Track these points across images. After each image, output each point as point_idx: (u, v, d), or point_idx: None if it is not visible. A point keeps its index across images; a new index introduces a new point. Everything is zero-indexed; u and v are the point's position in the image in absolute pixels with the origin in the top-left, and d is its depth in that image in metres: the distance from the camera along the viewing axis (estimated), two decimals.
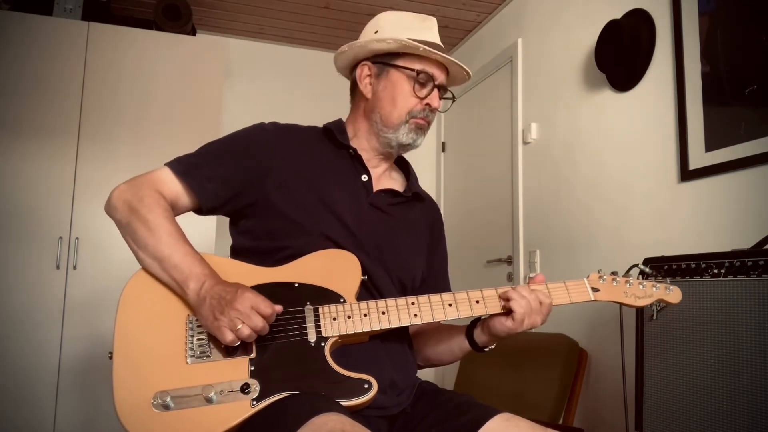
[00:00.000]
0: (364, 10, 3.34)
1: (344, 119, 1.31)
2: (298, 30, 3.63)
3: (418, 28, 1.24)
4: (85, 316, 2.73)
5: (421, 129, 1.23)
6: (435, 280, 1.33)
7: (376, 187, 1.24)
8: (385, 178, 1.29)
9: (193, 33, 3.28)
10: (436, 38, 1.25)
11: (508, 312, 1.11)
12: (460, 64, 1.24)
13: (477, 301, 1.12)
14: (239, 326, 0.96)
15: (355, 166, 1.24)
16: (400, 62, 1.22)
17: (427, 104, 1.22)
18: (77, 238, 2.76)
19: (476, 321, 1.20)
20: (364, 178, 1.23)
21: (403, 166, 1.37)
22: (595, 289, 1.15)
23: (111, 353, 1.01)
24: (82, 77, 2.86)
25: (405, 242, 1.25)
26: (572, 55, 2.63)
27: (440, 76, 1.23)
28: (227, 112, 3.33)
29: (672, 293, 1.16)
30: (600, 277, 1.16)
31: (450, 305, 1.11)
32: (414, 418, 1.13)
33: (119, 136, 2.88)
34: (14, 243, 2.67)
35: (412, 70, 1.20)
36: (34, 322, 2.66)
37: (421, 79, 1.21)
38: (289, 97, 3.74)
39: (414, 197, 1.29)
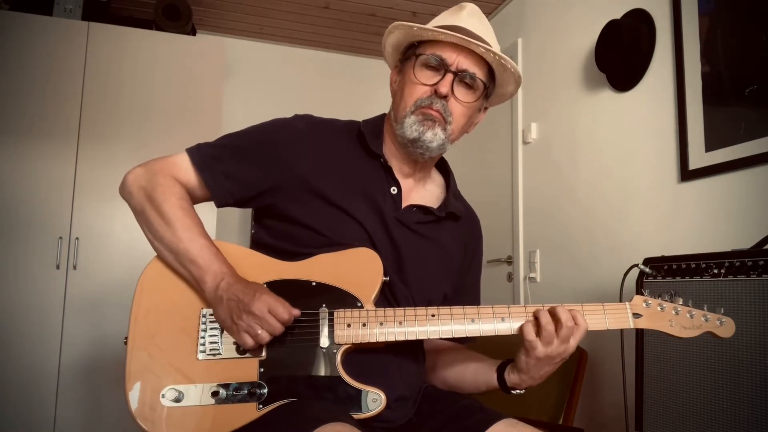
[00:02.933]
0: (364, 10, 3.33)
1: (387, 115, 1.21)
2: (298, 30, 3.63)
3: (445, 16, 1.14)
4: (85, 316, 2.73)
5: (430, 120, 1.08)
6: (461, 299, 1.20)
7: (406, 201, 1.15)
8: (418, 191, 1.19)
9: (193, 33, 3.28)
10: (464, 22, 1.10)
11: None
12: (478, 42, 1.06)
13: (502, 319, 1.02)
14: (259, 332, 0.95)
15: (386, 176, 1.14)
16: (410, 52, 1.12)
17: (435, 91, 1.08)
18: (77, 238, 2.76)
19: (510, 359, 1.11)
20: (394, 190, 1.13)
21: (446, 176, 1.26)
22: (636, 315, 1.03)
23: (126, 339, 1.01)
24: (82, 77, 2.85)
25: (429, 265, 1.15)
26: (572, 55, 2.63)
27: (458, 61, 1.08)
28: (227, 112, 3.33)
29: (724, 326, 1.03)
30: (645, 301, 1.04)
31: (473, 320, 1.02)
32: (418, 423, 1.10)
33: (119, 136, 2.88)
34: (14, 243, 2.67)
35: (418, 55, 1.09)
36: (34, 322, 2.66)
37: (428, 62, 1.08)
38: (289, 97, 3.73)
39: (448, 216, 1.18)
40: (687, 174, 1.97)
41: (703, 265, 1.51)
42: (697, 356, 1.49)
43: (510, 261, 3.04)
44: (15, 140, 2.73)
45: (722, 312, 1.04)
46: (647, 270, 1.63)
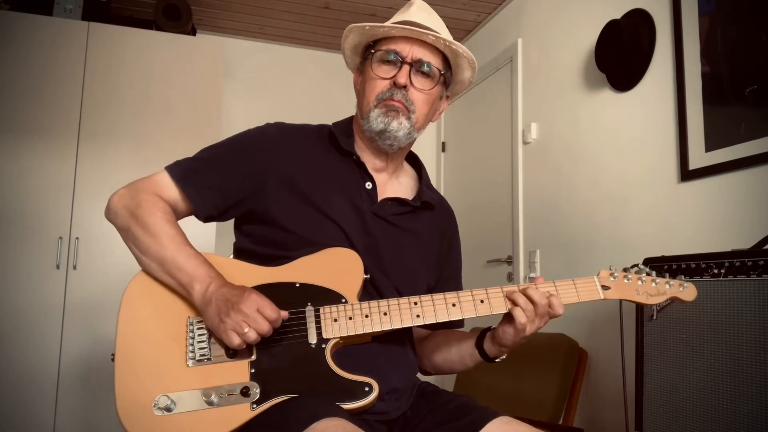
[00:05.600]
0: (364, 10, 3.34)
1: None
2: (298, 30, 3.63)
3: (396, 15, 1.20)
4: (85, 316, 2.73)
5: (394, 111, 1.12)
6: (444, 286, 1.25)
7: (381, 195, 1.19)
8: (392, 185, 1.23)
9: (193, 33, 3.28)
10: (413, 17, 1.16)
11: (511, 318, 1.07)
12: (427, 31, 1.11)
13: (482, 301, 1.07)
14: (246, 330, 0.95)
15: (360, 173, 1.18)
16: (368, 51, 1.18)
17: (394, 83, 1.13)
18: (77, 238, 2.76)
19: (486, 330, 1.16)
20: (368, 185, 1.17)
21: (417, 168, 1.31)
22: (605, 287, 1.10)
23: (113, 355, 1.01)
24: (82, 77, 2.86)
25: (409, 255, 1.19)
26: (572, 55, 2.63)
27: (412, 52, 1.13)
28: (227, 112, 3.33)
29: (686, 290, 1.11)
30: (611, 274, 1.11)
31: (453, 305, 1.07)
32: (413, 420, 1.11)
33: (119, 136, 2.88)
34: (14, 243, 2.67)
35: (374, 52, 1.15)
36: (34, 322, 2.66)
37: (384, 57, 1.14)
38: (289, 97, 3.74)
39: (423, 206, 1.22)
40: (687, 174, 1.97)
41: (703, 265, 1.51)
42: (697, 356, 1.49)
43: (510, 261, 3.04)
44: (15, 140, 2.73)
45: (683, 279, 1.13)
46: (647, 270, 1.63)
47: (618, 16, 2.30)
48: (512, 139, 3.08)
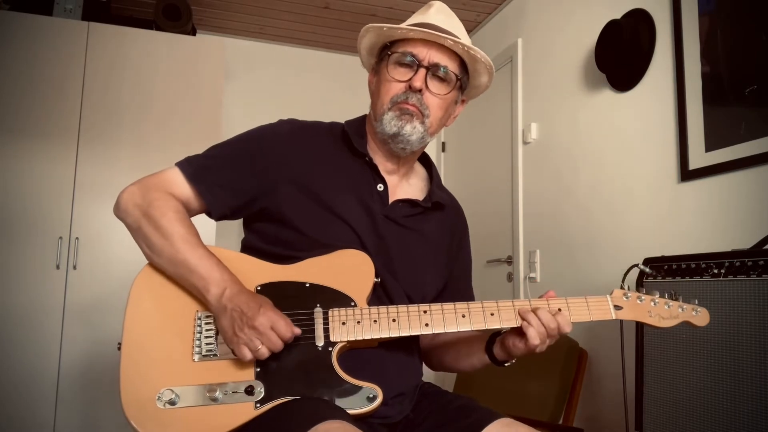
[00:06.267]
0: (364, 10, 3.34)
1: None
2: (298, 30, 3.63)
3: (415, 16, 1.18)
4: (85, 316, 2.73)
5: (408, 114, 1.11)
6: (455, 288, 1.26)
7: (392, 197, 1.18)
8: (403, 186, 1.22)
9: (193, 33, 3.28)
10: (431, 19, 1.14)
11: (522, 330, 1.07)
12: (446, 35, 1.09)
13: (492, 314, 1.07)
14: (259, 347, 0.95)
15: (372, 174, 1.17)
16: (384, 52, 1.16)
17: (410, 86, 1.11)
18: (77, 238, 2.76)
19: (496, 335, 1.15)
20: (380, 187, 1.16)
21: (428, 168, 1.30)
22: (617, 307, 1.09)
23: (120, 344, 1.01)
24: (82, 77, 2.86)
25: (419, 258, 1.18)
26: (572, 55, 2.63)
27: (429, 55, 1.11)
28: (227, 112, 3.33)
29: (699, 315, 1.10)
30: (624, 294, 1.10)
31: (463, 316, 1.06)
32: (414, 421, 1.11)
33: (119, 136, 2.88)
34: (14, 243, 2.67)
35: (390, 54, 1.13)
36: (34, 322, 2.66)
37: (400, 60, 1.12)
38: (290, 97, 3.74)
39: (434, 206, 1.21)
40: (687, 174, 1.97)
41: (703, 265, 1.51)
42: (697, 356, 1.50)
43: (510, 261, 3.04)
44: (15, 140, 2.72)
45: (696, 303, 1.11)
46: (647, 270, 1.64)
47: (618, 16, 2.30)
48: (512, 139, 3.08)
